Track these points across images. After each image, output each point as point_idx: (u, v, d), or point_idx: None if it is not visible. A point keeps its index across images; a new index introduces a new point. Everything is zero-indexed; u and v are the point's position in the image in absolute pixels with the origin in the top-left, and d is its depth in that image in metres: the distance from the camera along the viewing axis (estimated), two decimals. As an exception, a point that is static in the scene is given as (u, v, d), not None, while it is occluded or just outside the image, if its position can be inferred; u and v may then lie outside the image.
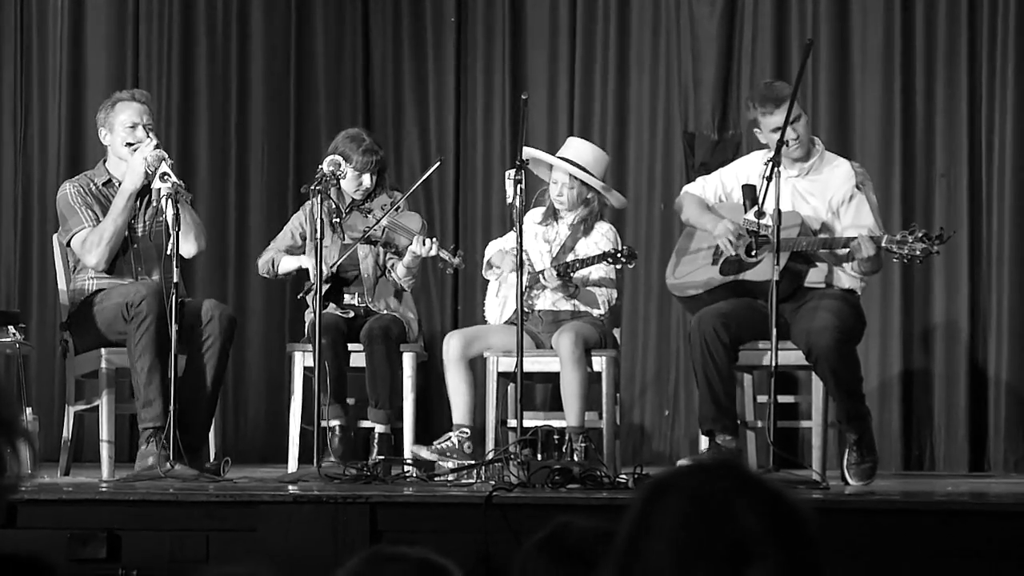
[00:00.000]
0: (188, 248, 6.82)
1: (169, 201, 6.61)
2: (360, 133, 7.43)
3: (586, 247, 7.11)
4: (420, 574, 2.25)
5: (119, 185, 6.90)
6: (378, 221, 7.21)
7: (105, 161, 7.02)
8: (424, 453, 6.89)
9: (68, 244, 6.96)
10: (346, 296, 7.33)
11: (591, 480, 6.04)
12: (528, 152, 6.96)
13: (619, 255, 6.91)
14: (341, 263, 7.27)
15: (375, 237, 7.25)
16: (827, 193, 6.72)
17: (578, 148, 7.22)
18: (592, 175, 7.11)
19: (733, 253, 6.70)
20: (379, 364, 7.09)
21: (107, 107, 6.97)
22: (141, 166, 6.74)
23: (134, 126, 6.87)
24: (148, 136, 6.81)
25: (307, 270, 7.18)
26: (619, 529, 1.92)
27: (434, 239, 7.16)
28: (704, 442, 6.72)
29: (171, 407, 6.45)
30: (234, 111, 9.18)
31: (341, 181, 7.18)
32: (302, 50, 9.18)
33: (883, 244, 6.44)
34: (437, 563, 2.28)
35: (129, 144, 6.83)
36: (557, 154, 7.20)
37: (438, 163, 7.55)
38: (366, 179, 7.30)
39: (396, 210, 7.27)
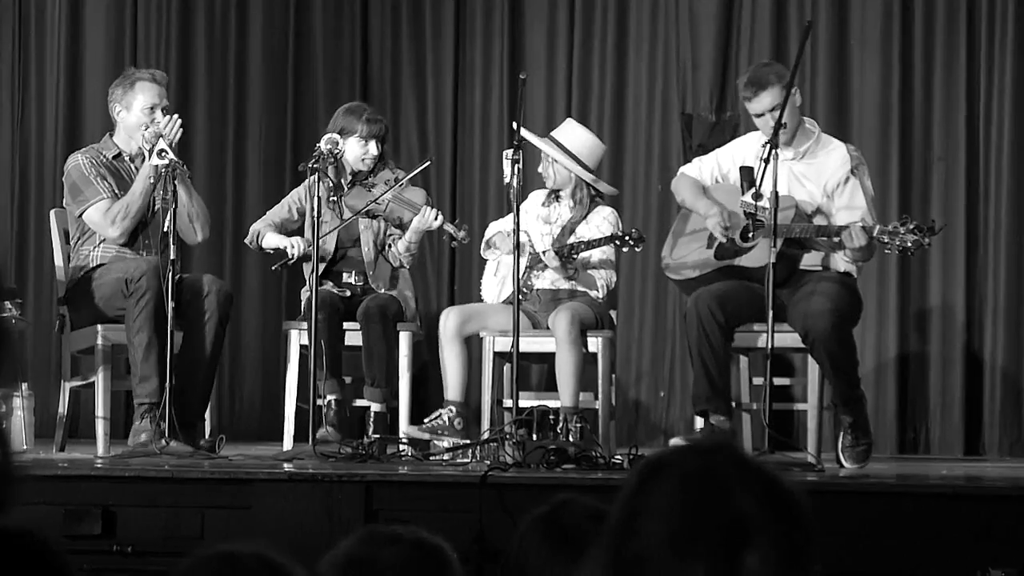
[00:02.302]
0: (191, 236, 6.88)
1: (166, 177, 6.61)
2: (359, 105, 7.47)
3: (587, 230, 7.10)
4: (415, 555, 2.25)
5: (129, 159, 6.91)
6: (381, 195, 7.19)
7: (112, 135, 7.01)
8: (416, 433, 6.89)
9: (80, 215, 6.92)
10: (344, 275, 7.32)
11: (586, 460, 6.05)
12: (532, 137, 6.97)
13: (628, 238, 6.90)
14: (339, 240, 7.25)
15: (377, 211, 7.23)
16: (822, 177, 6.71)
17: (570, 133, 7.19)
18: (580, 162, 7.09)
19: (724, 240, 6.69)
20: (375, 343, 7.09)
21: (125, 84, 6.94)
22: (171, 143, 6.70)
23: (152, 108, 6.86)
24: (172, 117, 6.76)
25: (284, 250, 7.19)
26: (612, 510, 1.91)
27: (439, 212, 7.17)
28: (699, 422, 6.73)
29: (168, 383, 6.45)
30: (232, 88, 9.16)
31: (344, 155, 7.19)
32: (300, 27, 9.17)
33: (875, 235, 6.43)
34: (432, 544, 2.28)
35: (163, 135, 6.74)
36: (551, 133, 7.19)
37: (428, 163, 7.52)
38: (372, 147, 7.28)
39: (400, 185, 7.26)
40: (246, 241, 7.44)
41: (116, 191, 6.88)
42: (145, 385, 6.60)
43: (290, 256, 7.16)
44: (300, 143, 8.93)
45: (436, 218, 7.12)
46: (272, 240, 7.30)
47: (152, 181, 6.81)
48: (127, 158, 6.95)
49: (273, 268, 7.35)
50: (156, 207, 6.85)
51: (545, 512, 2.66)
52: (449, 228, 7.14)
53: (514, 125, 6.73)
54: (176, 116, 6.80)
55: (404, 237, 7.23)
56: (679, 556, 1.84)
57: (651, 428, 8.72)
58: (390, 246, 7.31)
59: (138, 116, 6.87)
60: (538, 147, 7.15)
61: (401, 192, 7.25)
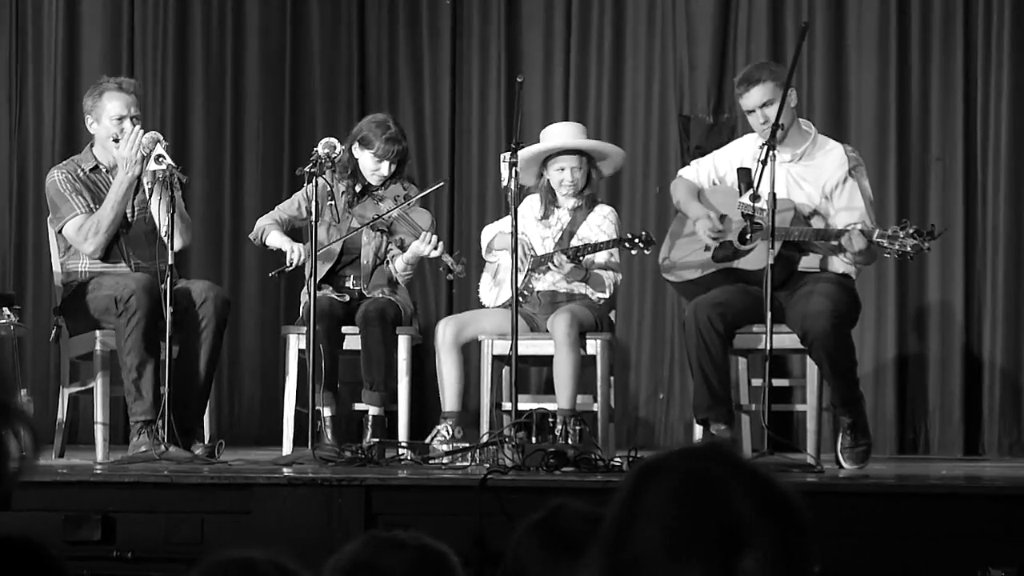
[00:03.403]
0: (175, 242, 6.84)
1: (165, 184, 6.60)
2: (386, 120, 7.35)
3: (588, 230, 7.11)
4: (419, 562, 2.25)
5: (106, 171, 6.86)
6: (387, 212, 7.17)
7: (92, 146, 6.96)
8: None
9: (60, 231, 6.89)
10: (344, 279, 7.30)
11: (585, 463, 6.04)
12: (524, 155, 6.92)
13: (637, 240, 6.90)
14: (343, 245, 7.23)
15: (381, 226, 7.22)
16: (820, 179, 6.71)
17: (560, 131, 7.19)
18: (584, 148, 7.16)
19: (712, 246, 6.69)
20: (374, 346, 7.08)
21: (94, 95, 6.85)
22: (131, 157, 6.66)
23: (121, 118, 6.78)
24: (135, 129, 6.72)
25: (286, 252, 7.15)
26: (607, 512, 1.91)
27: (440, 241, 7.11)
28: (699, 431, 6.72)
29: (165, 388, 6.45)
30: (229, 92, 9.17)
31: (359, 161, 7.18)
32: (297, 31, 9.17)
33: (874, 239, 6.43)
34: (435, 549, 2.28)
35: (116, 140, 6.74)
36: (548, 145, 7.14)
37: (440, 185, 7.49)
38: (385, 167, 7.24)
39: (408, 204, 7.23)
40: (250, 236, 7.38)
41: (92, 206, 6.80)
42: (140, 403, 6.59)
43: (288, 263, 7.12)
44: (297, 146, 8.93)
45: (436, 248, 7.06)
46: (275, 240, 7.23)
47: (147, 187, 6.79)
48: (104, 169, 6.89)
49: (271, 275, 7.29)
50: (135, 216, 6.79)
51: (540, 518, 2.66)
52: (447, 260, 7.10)
53: (518, 131, 6.73)
54: (138, 128, 6.69)
55: (402, 257, 7.20)
56: (675, 559, 1.84)
57: (650, 430, 8.72)
58: (389, 261, 7.28)
59: (107, 127, 6.78)
60: (555, 158, 7.10)
61: (408, 211, 7.22)
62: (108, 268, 6.84)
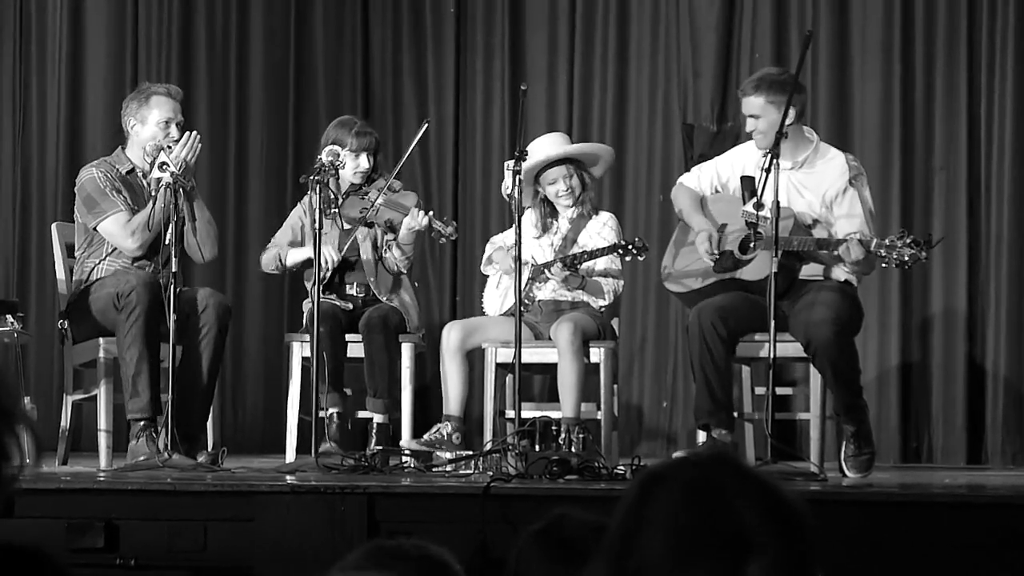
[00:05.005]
0: (197, 256, 6.89)
1: (168, 190, 6.62)
2: (349, 118, 7.49)
3: (588, 237, 7.11)
4: (422, 570, 2.25)
5: (143, 175, 6.91)
6: (373, 202, 7.20)
7: (124, 148, 7.00)
8: (415, 446, 6.90)
9: (95, 227, 6.91)
10: (347, 287, 7.31)
11: (589, 471, 6.04)
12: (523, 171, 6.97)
13: (631, 247, 6.90)
14: (344, 252, 7.25)
15: (371, 217, 7.23)
16: (821, 187, 6.70)
17: (543, 144, 7.19)
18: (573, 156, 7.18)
19: (708, 262, 6.69)
20: (377, 354, 7.09)
21: (140, 98, 6.94)
22: (188, 161, 6.70)
23: (168, 122, 6.86)
24: (192, 135, 6.75)
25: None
26: (612, 522, 1.91)
27: (427, 212, 7.15)
28: (701, 436, 6.72)
29: (168, 396, 6.47)
30: (233, 100, 9.18)
31: (340, 170, 7.19)
32: (301, 39, 9.18)
33: (872, 248, 6.43)
34: (438, 559, 2.28)
35: (168, 148, 6.75)
36: (535, 161, 7.13)
37: (425, 126, 7.46)
38: (364, 160, 7.30)
39: (391, 189, 7.26)
40: (267, 269, 7.43)
41: (130, 204, 6.88)
42: (137, 400, 6.60)
43: (326, 270, 7.11)
44: (301, 154, 8.94)
45: (423, 217, 7.11)
46: (297, 255, 7.28)
47: (154, 194, 6.81)
48: (140, 173, 6.95)
49: (310, 285, 7.20)
50: (182, 224, 6.80)
51: (542, 527, 2.66)
52: (437, 225, 7.12)
53: (522, 139, 6.74)
54: (196, 133, 6.77)
55: (397, 239, 7.23)
56: (680, 568, 1.84)
57: (654, 438, 8.71)
58: (387, 249, 7.29)
59: (152, 131, 6.87)
60: (547, 170, 7.12)
61: (393, 196, 7.25)
62: (120, 270, 6.86)
